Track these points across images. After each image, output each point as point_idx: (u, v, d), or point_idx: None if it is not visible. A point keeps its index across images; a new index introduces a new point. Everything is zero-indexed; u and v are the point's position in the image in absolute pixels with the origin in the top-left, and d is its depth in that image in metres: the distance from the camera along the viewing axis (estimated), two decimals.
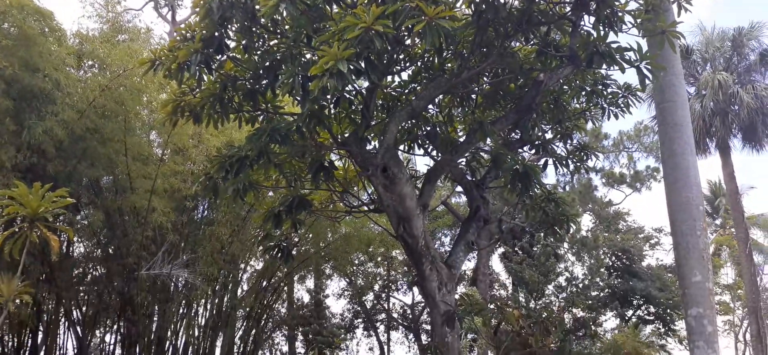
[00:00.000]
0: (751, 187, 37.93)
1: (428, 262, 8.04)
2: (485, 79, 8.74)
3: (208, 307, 15.79)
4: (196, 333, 15.57)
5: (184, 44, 6.58)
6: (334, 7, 6.50)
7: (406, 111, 7.83)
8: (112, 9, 12.87)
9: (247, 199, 8.67)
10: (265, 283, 16.70)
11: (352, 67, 5.63)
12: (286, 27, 6.87)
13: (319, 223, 13.99)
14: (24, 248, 8.12)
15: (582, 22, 7.24)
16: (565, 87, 8.87)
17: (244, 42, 7.00)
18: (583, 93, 8.85)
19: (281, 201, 8.77)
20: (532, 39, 7.99)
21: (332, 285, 22.97)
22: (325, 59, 5.57)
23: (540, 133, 9.30)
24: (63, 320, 14.58)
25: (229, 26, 6.72)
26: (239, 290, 16.77)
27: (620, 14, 6.99)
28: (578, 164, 9.71)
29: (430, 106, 9.03)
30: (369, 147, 8.28)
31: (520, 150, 9.61)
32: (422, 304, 21.41)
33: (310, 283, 22.24)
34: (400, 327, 23.77)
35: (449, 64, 8.22)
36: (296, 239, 10.92)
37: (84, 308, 14.79)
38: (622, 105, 8.70)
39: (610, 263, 22.21)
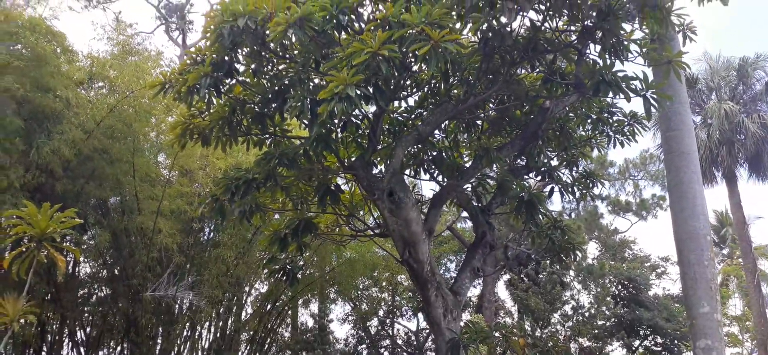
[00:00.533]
0: (758, 217, 37.54)
1: (433, 288, 8.01)
2: (491, 105, 8.80)
3: (212, 330, 15.73)
4: None
5: (194, 68, 6.67)
6: (343, 33, 6.59)
7: (413, 136, 7.87)
8: (123, 32, 13.09)
9: (254, 221, 8.70)
10: (269, 306, 16.64)
11: (360, 92, 5.69)
12: (295, 52, 6.95)
13: (324, 246, 13.99)
14: (31, 267, 8.13)
15: (588, 51, 7.31)
16: (570, 114, 8.92)
17: (253, 66, 7.10)
18: (589, 121, 8.89)
19: (287, 224, 8.80)
20: (538, 66, 8.06)
21: (336, 310, 22.86)
22: (334, 84, 5.64)
23: (546, 160, 9.32)
24: (67, 340, 14.54)
25: (239, 51, 6.81)
26: (243, 313, 16.73)
27: (626, 43, 7.06)
28: (584, 192, 9.70)
29: (436, 132, 9.08)
30: (375, 171, 8.31)
31: (525, 177, 9.63)
32: (427, 330, 21.23)
33: (314, 307, 22.14)
34: (405, 354, 23.55)
35: (455, 91, 8.29)
36: (301, 263, 10.92)
37: (88, 329, 14.75)
38: (627, 133, 8.74)
39: (617, 292, 22.02)
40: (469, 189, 9.48)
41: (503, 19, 6.21)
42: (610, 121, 8.75)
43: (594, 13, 6.67)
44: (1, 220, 9.47)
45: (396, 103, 8.61)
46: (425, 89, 8.56)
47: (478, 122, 9.09)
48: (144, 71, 11.69)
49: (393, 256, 11.98)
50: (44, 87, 10.40)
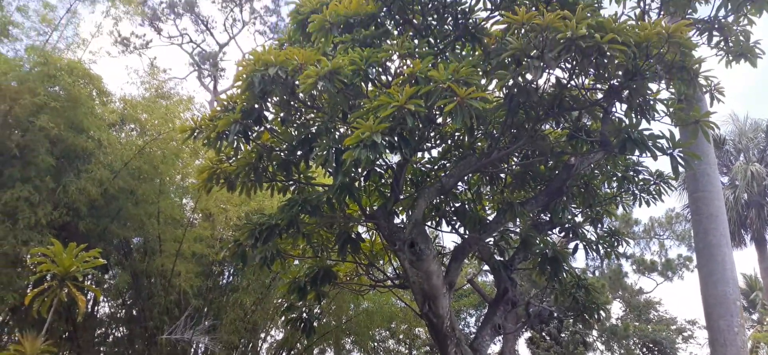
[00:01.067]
0: None
1: (453, 344, 7.84)
2: (515, 159, 8.79)
3: None
4: None
5: (225, 114, 6.82)
6: (370, 85, 6.70)
7: (436, 187, 7.87)
8: (156, 76, 13.49)
9: (274, 267, 8.70)
10: (284, 354, 16.42)
11: (385, 140, 5.75)
12: (323, 102, 7.08)
13: (342, 295, 13.85)
14: (52, 306, 8.19)
15: (614, 109, 7.30)
16: (596, 171, 8.85)
17: (281, 115, 7.23)
18: (615, 178, 8.82)
19: (306, 272, 8.77)
20: (563, 123, 8.06)
21: None
22: (360, 131, 5.71)
23: (570, 217, 9.22)
24: None
25: (269, 99, 6.95)
26: None
27: (653, 103, 7.03)
28: (608, 250, 9.54)
29: (460, 184, 9.07)
30: (397, 221, 8.30)
31: (549, 232, 9.52)
32: None
33: None
34: None
35: (479, 144, 8.31)
36: (318, 311, 10.84)
37: None
38: (653, 192, 8.64)
39: None
40: (492, 243, 9.39)
41: (529, 76, 6.26)
42: (636, 179, 8.67)
43: (620, 73, 6.69)
44: (27, 257, 9.60)
45: (420, 154, 8.65)
46: (449, 141, 8.60)
47: (502, 176, 9.07)
48: (174, 115, 11.97)
49: (412, 308, 11.80)
50: (78, 127, 10.69)
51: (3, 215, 9.86)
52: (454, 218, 9.21)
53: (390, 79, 6.78)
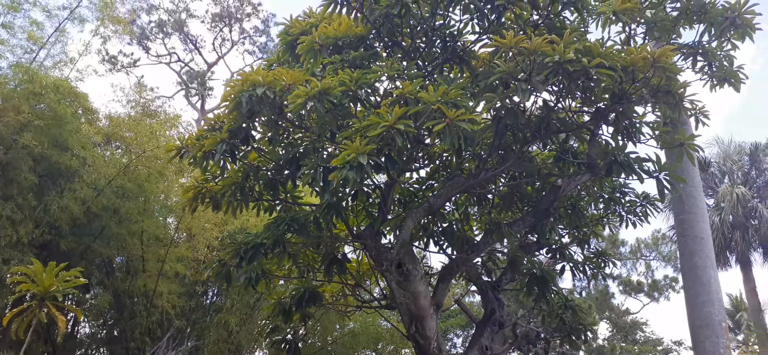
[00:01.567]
0: None
1: None
2: (502, 180, 8.81)
3: None
4: None
5: (212, 134, 6.76)
6: (359, 106, 6.70)
7: (424, 208, 7.85)
8: (143, 95, 13.40)
9: (259, 288, 8.60)
10: None
11: (372, 161, 5.73)
12: (311, 122, 7.05)
13: (327, 316, 13.71)
14: (30, 327, 8.02)
15: (600, 132, 7.35)
16: (582, 193, 8.90)
17: (269, 134, 7.19)
18: (601, 200, 8.87)
19: (292, 293, 8.67)
20: (551, 145, 8.11)
21: None
22: (347, 152, 5.69)
23: (557, 238, 9.24)
24: None
25: (256, 119, 6.91)
26: None
27: (638, 126, 7.10)
28: (595, 271, 9.57)
29: (447, 204, 9.06)
30: (384, 241, 8.25)
31: (536, 253, 9.53)
32: None
33: None
34: None
35: (467, 164, 8.32)
36: (303, 333, 10.70)
37: None
38: (640, 214, 8.70)
39: None
40: (479, 263, 9.37)
41: (516, 99, 6.30)
42: (623, 201, 8.73)
43: (607, 96, 6.75)
44: (6, 277, 9.41)
45: (407, 174, 8.64)
46: (437, 162, 8.60)
47: (490, 197, 9.08)
48: (160, 133, 11.87)
49: (399, 329, 11.71)
50: (62, 145, 10.57)
51: None
52: (442, 238, 9.19)
53: (379, 100, 6.78)
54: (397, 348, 18.40)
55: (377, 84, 6.70)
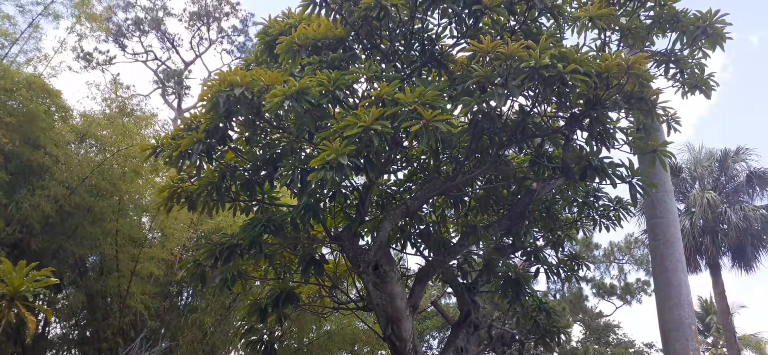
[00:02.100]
0: (742, 306, 37.66)
1: None
2: (479, 183, 8.89)
3: None
4: None
5: (188, 133, 6.70)
6: (337, 107, 6.71)
7: (401, 210, 7.89)
8: (119, 93, 13.21)
9: (235, 289, 8.54)
10: None
11: (351, 162, 5.74)
12: (289, 123, 7.03)
13: (304, 317, 13.65)
14: None
15: (575, 137, 7.47)
16: (557, 197, 9.03)
17: (247, 134, 7.15)
18: (575, 204, 9.00)
19: (268, 294, 8.62)
20: (526, 149, 8.21)
21: None
22: (327, 152, 5.69)
23: (532, 241, 9.36)
24: None
25: (234, 119, 6.87)
26: None
27: (612, 131, 7.23)
28: (569, 274, 9.70)
29: (424, 207, 9.10)
30: (362, 243, 8.26)
31: (511, 256, 9.63)
32: None
33: None
34: None
35: (445, 167, 8.38)
36: (279, 334, 10.63)
37: None
38: (613, 218, 8.85)
39: None
40: (455, 266, 9.43)
41: (493, 103, 6.37)
42: (596, 205, 8.87)
43: (582, 102, 6.87)
44: None
45: (385, 176, 8.66)
46: (415, 164, 8.64)
47: (466, 200, 9.15)
48: (134, 132, 11.71)
49: (375, 331, 11.71)
50: (35, 143, 10.37)
51: None
52: (419, 240, 9.24)
53: (357, 101, 6.79)
54: (374, 350, 18.40)
55: (356, 86, 6.72)
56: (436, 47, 7.68)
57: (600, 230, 8.91)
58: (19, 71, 10.75)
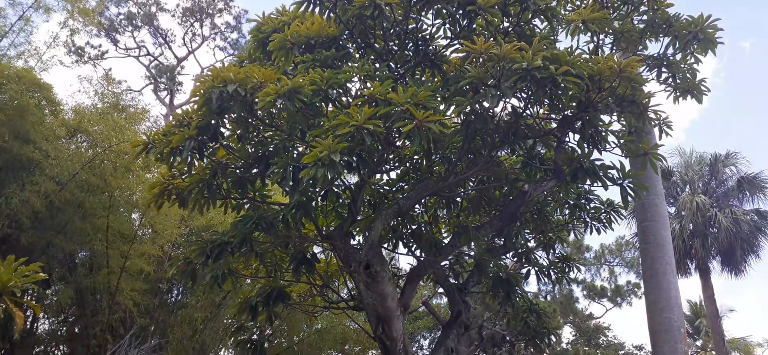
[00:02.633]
0: (731, 309, 37.97)
1: None
2: (471, 184, 8.90)
3: None
4: None
5: (179, 130, 6.67)
6: (330, 106, 6.69)
7: (393, 209, 7.88)
8: (110, 88, 13.12)
9: (225, 286, 8.51)
10: None
11: (344, 160, 5.73)
12: (282, 120, 7.01)
13: (294, 315, 13.62)
14: None
15: (567, 139, 7.50)
16: (549, 198, 9.05)
17: (238, 132, 7.12)
18: (567, 206, 9.03)
19: (259, 292, 8.60)
20: (518, 150, 8.23)
21: None
22: (318, 150, 5.67)
23: (523, 242, 9.38)
24: None
25: (226, 116, 6.84)
26: None
27: (604, 134, 7.26)
28: (560, 275, 9.74)
29: (416, 207, 9.11)
30: (353, 242, 8.25)
31: (503, 257, 9.65)
32: None
33: None
34: None
35: (437, 167, 8.39)
36: (269, 332, 10.61)
37: None
38: (604, 220, 8.90)
39: None
40: (447, 266, 9.45)
41: (486, 104, 6.38)
42: (587, 207, 8.90)
43: (574, 104, 6.89)
44: None
45: (378, 175, 8.66)
46: (407, 164, 8.64)
47: (458, 200, 9.16)
48: (126, 127, 11.63)
49: (365, 331, 11.71)
50: (25, 137, 10.27)
51: None
52: (411, 240, 9.24)
53: (350, 100, 6.78)
54: (364, 349, 18.39)
55: (349, 85, 6.71)
56: (430, 47, 7.69)
57: (591, 232, 8.97)
58: (9, 65, 10.65)
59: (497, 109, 7.01)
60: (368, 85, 6.62)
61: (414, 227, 9.24)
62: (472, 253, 9.33)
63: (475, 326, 9.48)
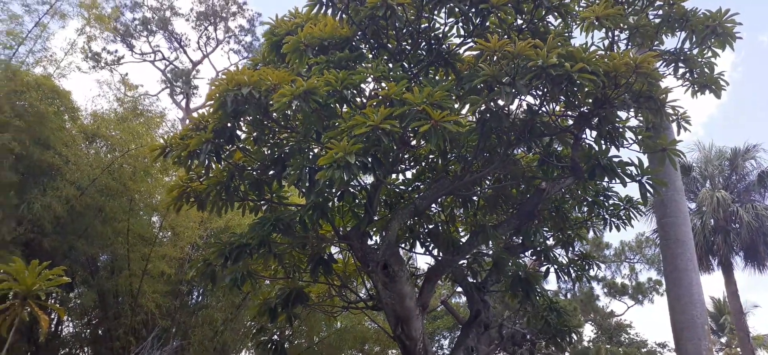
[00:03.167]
0: (755, 305, 37.31)
1: None
2: (487, 183, 8.86)
3: None
4: None
5: (196, 133, 6.74)
6: (345, 106, 6.72)
7: (409, 209, 7.88)
8: (128, 93, 13.31)
9: (244, 288, 8.58)
10: None
11: (359, 161, 5.75)
12: (297, 122, 7.06)
13: (314, 315, 13.69)
14: (13, 326, 7.93)
15: (584, 136, 7.43)
16: (566, 196, 8.98)
17: (254, 134, 7.18)
18: (585, 203, 8.95)
19: (278, 294, 8.66)
20: (535, 148, 8.17)
21: None
22: (334, 151, 5.70)
23: (542, 240, 9.32)
24: None
25: (241, 119, 6.91)
26: None
27: (621, 130, 7.18)
28: (580, 273, 9.65)
29: (433, 206, 9.09)
30: (370, 242, 8.27)
31: (521, 255, 9.59)
32: None
33: None
34: None
35: (453, 166, 8.37)
36: (289, 333, 10.69)
37: None
38: (623, 217, 8.79)
39: None
40: (465, 265, 9.42)
41: (501, 102, 6.34)
42: (606, 204, 8.81)
43: (590, 101, 6.82)
44: None
45: (394, 175, 8.66)
46: (423, 164, 8.64)
47: (475, 199, 9.13)
48: (144, 132, 11.79)
49: (385, 330, 11.72)
50: (45, 143, 10.47)
51: None
52: (428, 239, 9.23)
53: (364, 101, 6.80)
54: (384, 349, 18.41)
55: (363, 85, 6.72)
56: (443, 46, 7.67)
57: (610, 229, 8.86)
58: (28, 72, 10.85)
59: (512, 107, 6.98)
60: (383, 85, 6.63)
61: (431, 227, 9.23)
62: (490, 252, 9.29)
63: (494, 324, 9.44)
